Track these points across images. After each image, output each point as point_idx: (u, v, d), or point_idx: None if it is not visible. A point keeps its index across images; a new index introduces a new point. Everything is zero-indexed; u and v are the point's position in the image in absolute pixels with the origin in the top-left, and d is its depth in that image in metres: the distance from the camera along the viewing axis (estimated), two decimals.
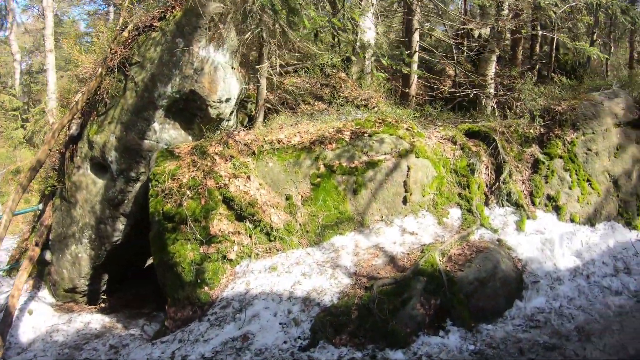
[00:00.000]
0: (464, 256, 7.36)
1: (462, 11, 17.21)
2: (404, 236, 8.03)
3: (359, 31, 12.56)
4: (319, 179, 8.21)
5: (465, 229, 8.15)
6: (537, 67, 14.58)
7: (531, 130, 9.69)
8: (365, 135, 8.55)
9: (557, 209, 9.03)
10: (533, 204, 9.07)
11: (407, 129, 8.79)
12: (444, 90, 12.31)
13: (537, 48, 15.23)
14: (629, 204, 9.50)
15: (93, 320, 9.03)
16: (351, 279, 7.24)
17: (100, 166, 9.26)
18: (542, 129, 9.74)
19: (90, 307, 9.71)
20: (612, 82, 11.08)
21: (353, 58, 11.91)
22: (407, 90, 10.54)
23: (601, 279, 8.11)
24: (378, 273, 7.22)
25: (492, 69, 11.65)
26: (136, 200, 9.07)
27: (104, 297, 10.12)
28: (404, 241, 7.93)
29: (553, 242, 8.42)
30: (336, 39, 13.70)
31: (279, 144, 8.54)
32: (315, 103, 11.63)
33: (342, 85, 12.01)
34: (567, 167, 9.21)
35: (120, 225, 9.24)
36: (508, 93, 10.72)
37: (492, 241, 8.08)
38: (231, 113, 9.79)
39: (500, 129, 9.37)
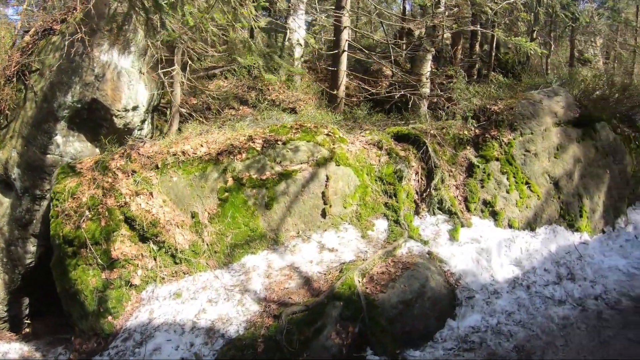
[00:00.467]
0: (387, 275, 6.59)
1: (402, 10, 16.68)
2: (323, 253, 7.21)
3: (288, 30, 11.88)
4: (226, 194, 7.37)
5: (391, 243, 7.37)
6: (477, 66, 14.12)
7: (465, 132, 9.04)
8: (279, 143, 7.73)
9: (495, 215, 8.39)
10: (468, 210, 8.40)
11: (327, 135, 8.01)
12: (380, 92, 11.62)
13: (477, 47, 14.79)
14: (571, 206, 8.95)
15: (11, 349, 8.13)
16: (260, 306, 6.40)
17: (5, 184, 8.41)
18: (477, 131, 9.11)
19: (11, 334, 8.77)
20: (551, 80, 10.59)
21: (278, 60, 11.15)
22: (335, 92, 9.81)
23: (543, 289, 7.51)
24: (290, 298, 6.39)
25: (427, 68, 11.03)
26: (44, 220, 8.21)
27: (29, 322, 9.11)
28: (321, 259, 7.11)
29: (490, 251, 7.78)
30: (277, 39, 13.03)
31: (184, 155, 7.68)
32: (241, 107, 10.87)
33: (270, 88, 11.26)
34: (505, 170, 8.59)
35: (31, 246, 8.42)
36: (441, 93, 10.11)
37: (421, 254, 7.35)
38: (143, 121, 8.95)
39: (431, 132, 8.68)
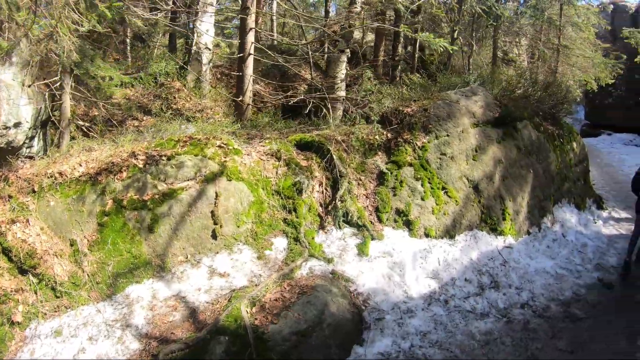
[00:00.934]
0: (281, 302, 5.81)
1: (325, 12, 16.13)
2: (213, 279, 6.37)
3: (196, 33, 11.09)
4: (106, 218, 6.48)
5: (289, 264, 6.62)
6: (400, 67, 13.66)
7: (376, 137, 8.41)
8: (163, 158, 6.90)
9: (409, 225, 7.74)
10: (380, 221, 7.72)
11: (220, 147, 7.20)
12: (294, 96, 10.91)
13: (400, 48, 14.35)
14: (492, 209, 8.44)
15: None
16: (141, 343, 5.56)
17: None
18: (389, 135, 8.50)
19: None
20: (469, 79, 10.13)
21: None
22: (240, 99, 9.06)
23: (463, 302, 6.92)
24: (172, 333, 5.55)
25: (342, 70, 10.39)
26: None
27: None
28: (211, 286, 6.28)
29: (404, 264, 7.14)
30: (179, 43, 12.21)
31: (62, 177, 6.77)
32: (144, 118, 10.01)
33: (176, 96, 10.43)
34: (419, 176, 7.98)
35: None
36: (355, 97, 9.49)
37: (324, 275, 6.59)
38: (32, 138, 7.95)
39: (337, 138, 8.00)
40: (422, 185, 7.94)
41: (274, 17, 16.47)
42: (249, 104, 9.19)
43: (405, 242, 7.54)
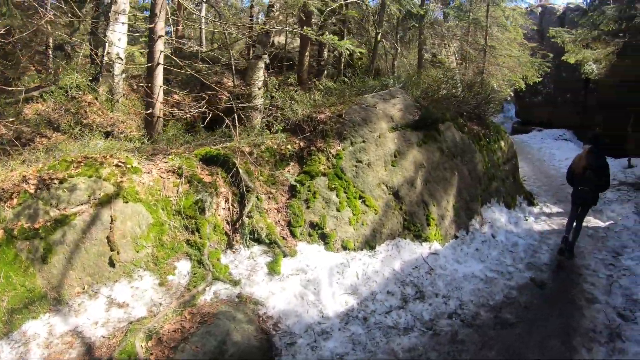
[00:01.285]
0: (180, 333, 5.24)
1: (250, 18, 15.67)
2: (111, 311, 5.74)
3: (107, 43, 10.45)
4: None
5: (191, 290, 6.05)
6: (326, 72, 13.34)
7: (288, 147, 7.93)
8: (55, 182, 6.21)
9: (325, 238, 7.30)
10: (293, 236, 7.24)
11: (117, 165, 6.57)
12: (211, 106, 10.35)
13: (326, 53, 14.05)
14: (416, 215, 8.12)
15: None
16: None
17: None
18: (301, 144, 8.04)
19: None
20: (388, 82, 9.83)
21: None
22: (151, 111, 8.48)
23: (385, 317, 6.49)
24: None
25: (260, 77, 9.95)
26: None
27: None
28: (108, 319, 5.64)
29: (319, 281, 6.66)
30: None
31: None
32: (54, 135, 9.32)
33: (87, 110, 9.77)
34: (333, 186, 7.56)
35: None
36: (266, 105, 9.04)
37: (230, 299, 6.04)
38: None
39: (245, 149, 7.48)
40: (337, 195, 7.53)
41: (201, 25, 15.91)
42: (159, 117, 8.61)
43: (320, 257, 7.10)
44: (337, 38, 7.77)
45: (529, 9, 30.88)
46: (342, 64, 13.58)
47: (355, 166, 7.83)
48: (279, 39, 17.55)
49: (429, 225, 8.18)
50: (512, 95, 30.59)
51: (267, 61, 10.17)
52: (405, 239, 7.89)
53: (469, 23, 17.27)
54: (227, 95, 11.01)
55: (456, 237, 8.70)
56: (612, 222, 12.01)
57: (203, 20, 14.12)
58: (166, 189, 6.74)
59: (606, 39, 18.30)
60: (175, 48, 11.37)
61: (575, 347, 6.15)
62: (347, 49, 7.87)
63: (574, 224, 9.15)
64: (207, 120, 9.65)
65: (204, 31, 16.37)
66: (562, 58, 20.53)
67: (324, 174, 7.62)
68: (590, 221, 11.88)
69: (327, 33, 8.39)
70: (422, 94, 9.74)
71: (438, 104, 9.57)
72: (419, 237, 8.01)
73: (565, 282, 8.08)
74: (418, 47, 15.49)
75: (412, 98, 9.35)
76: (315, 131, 8.09)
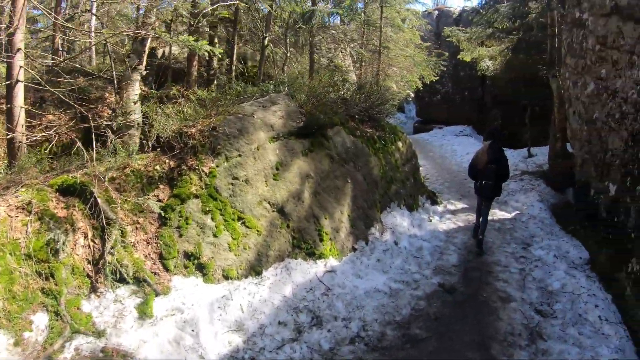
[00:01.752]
0: None
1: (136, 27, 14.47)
2: None
3: None
4: None
5: (47, 348, 5.01)
6: (216, 82, 12.45)
7: (157, 167, 6.98)
8: None
9: (202, 269, 6.40)
10: (167, 270, 6.26)
11: None
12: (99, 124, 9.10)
13: (216, 62, 13.17)
14: (306, 231, 7.39)
15: None
16: None
17: None
18: (172, 163, 7.09)
19: None
20: (267, 88, 9.05)
21: None
22: (11, 136, 7.18)
23: (276, 354, 5.66)
24: None
25: (135, 91, 8.83)
26: None
27: None
28: None
29: (198, 320, 5.72)
30: None
31: None
32: None
33: None
34: (208, 208, 6.67)
35: None
36: (139, 121, 8.01)
37: (94, 354, 5.03)
38: None
39: (106, 174, 6.46)
40: (212, 218, 6.64)
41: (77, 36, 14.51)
42: (21, 142, 7.36)
43: (199, 291, 6.18)
44: (192, 39, 6.89)
45: (426, 12, 31.68)
46: (234, 73, 12.69)
47: (232, 184, 6.97)
48: (168, 49, 16.47)
49: (322, 240, 7.46)
50: (413, 95, 31.27)
51: (143, 72, 9.07)
52: (296, 258, 7.13)
53: (362, 24, 16.88)
54: (109, 112, 9.85)
55: (354, 249, 8.05)
56: (518, 212, 11.91)
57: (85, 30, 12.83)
58: (14, 229, 5.57)
59: (500, 36, 18.62)
60: (52, 63, 10.00)
61: (495, 357, 5.66)
62: (206, 50, 7.02)
63: (480, 217, 9.54)
64: (79, 141, 8.44)
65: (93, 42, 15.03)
66: (458, 57, 20.86)
67: (196, 196, 6.71)
68: (496, 214, 11.69)
69: (199, 38, 7.49)
70: (308, 99, 8.99)
71: (326, 108, 8.88)
72: (312, 254, 7.29)
73: (476, 283, 7.66)
74: (309, 51, 14.83)
75: (297, 103, 8.63)
76: (186, 148, 7.18)
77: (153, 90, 10.87)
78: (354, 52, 18.89)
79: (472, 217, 11.24)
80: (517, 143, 21.83)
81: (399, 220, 9.50)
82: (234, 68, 12.82)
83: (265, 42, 12.61)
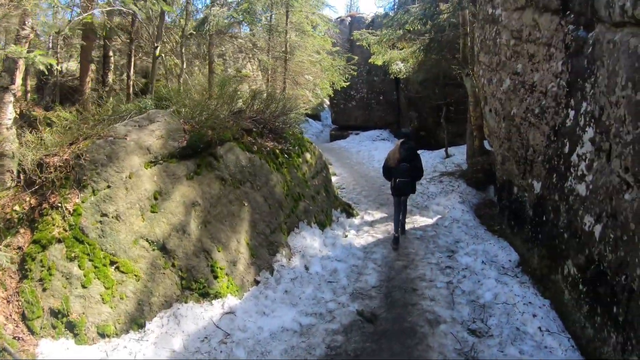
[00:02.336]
0: None
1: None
2: None
3: None
4: None
5: None
6: (112, 99, 11.24)
7: (16, 207, 5.78)
8: None
9: (73, 327, 5.28)
10: (32, 332, 5.10)
11: None
12: None
13: (112, 76, 12.04)
14: (196, 269, 6.37)
15: None
16: None
17: None
18: (33, 201, 5.94)
19: None
20: (145, 103, 7.97)
21: None
22: None
23: None
24: None
25: (8, 114, 7.40)
26: None
27: None
28: None
29: None
30: None
31: None
32: None
33: None
34: (73, 254, 5.53)
35: None
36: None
37: None
38: None
39: None
40: (79, 266, 5.53)
41: None
42: None
43: (70, 355, 5.08)
44: (22, 49, 5.76)
45: (339, 19, 31.60)
46: (131, 89, 11.55)
47: (100, 222, 5.87)
48: (67, 65, 15.06)
49: (216, 277, 6.50)
50: (328, 102, 31.12)
51: (18, 93, 7.72)
52: (186, 302, 6.11)
53: (267, 31, 16.06)
54: None
55: (257, 282, 7.14)
56: (440, 216, 11.42)
57: None
58: None
59: (412, 37, 18.34)
60: None
61: None
62: (41, 63, 5.90)
63: (399, 218, 9.67)
64: None
65: None
66: (370, 60, 20.55)
67: (59, 240, 5.59)
68: (417, 221, 11.12)
69: None
70: (194, 113, 7.96)
71: (216, 123, 7.87)
72: (206, 295, 6.30)
73: (400, 306, 6.89)
74: (208, 61, 13.83)
75: (181, 120, 7.59)
76: (47, 182, 6.01)
77: (35, 112, 9.56)
78: (260, 60, 18.08)
79: (391, 227, 10.63)
80: (435, 144, 21.77)
81: (309, 241, 8.65)
82: (131, 83, 11.68)
83: (157, 52, 11.53)
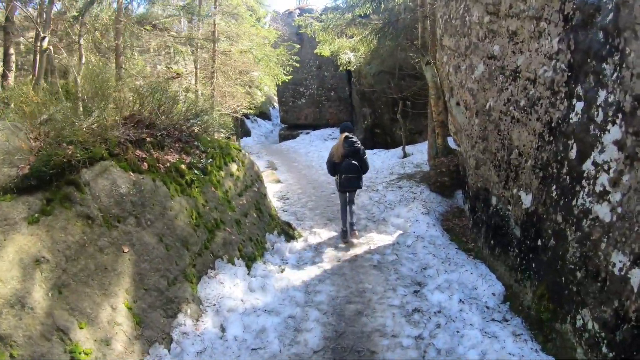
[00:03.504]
0: None
1: None
2: None
3: None
4: None
5: None
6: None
7: None
8: None
9: None
10: None
11: None
12: None
13: (12, 78, 9.99)
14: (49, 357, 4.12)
15: None
16: None
17: None
18: None
19: None
20: None
21: None
22: None
23: None
24: None
25: None
26: None
27: None
28: None
29: None
30: None
31: None
32: None
33: None
34: None
35: None
36: None
37: None
38: None
39: None
40: None
41: None
42: None
43: None
44: None
45: (287, 12, 30.21)
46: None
47: None
48: None
49: None
50: (275, 100, 29.62)
51: None
52: None
53: (188, 12, 13.71)
54: None
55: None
56: (401, 232, 9.53)
57: None
58: None
59: (363, 21, 16.29)
60: None
61: None
62: None
63: (347, 211, 9.33)
64: None
65: None
66: (315, 51, 18.66)
67: None
68: (374, 239, 9.19)
69: None
70: (46, 123, 5.61)
71: (85, 134, 5.55)
72: None
73: None
74: (115, 55, 11.50)
75: (30, 134, 5.27)
76: None
77: None
78: (191, 55, 15.75)
79: (341, 253, 8.60)
80: (391, 142, 20.06)
81: (228, 287, 6.45)
82: (41, 83, 9.50)
83: (45, 45, 9.22)
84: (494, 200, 7.47)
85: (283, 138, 29.53)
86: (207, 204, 6.98)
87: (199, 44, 14.47)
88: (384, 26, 15.13)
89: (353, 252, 8.74)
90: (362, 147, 9.19)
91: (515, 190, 6.47)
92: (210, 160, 7.60)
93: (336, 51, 17.65)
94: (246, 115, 32.62)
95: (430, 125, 13.44)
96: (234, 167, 8.40)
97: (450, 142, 12.61)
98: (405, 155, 17.07)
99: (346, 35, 17.91)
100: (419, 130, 18.42)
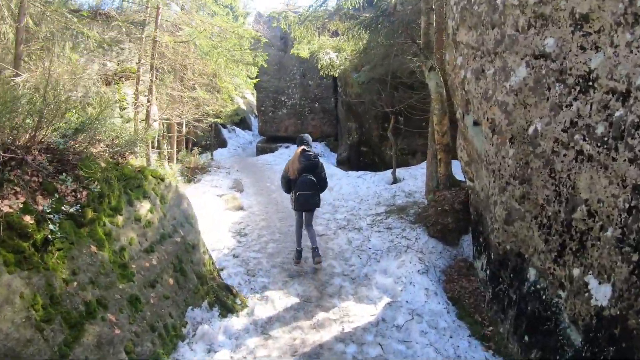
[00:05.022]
0: None
1: None
2: None
3: None
4: None
5: None
6: None
7: None
8: None
9: None
10: None
11: None
12: None
13: None
14: None
15: None
16: None
17: None
18: None
19: None
20: None
21: None
22: None
23: None
24: None
25: None
26: None
27: None
28: None
29: None
30: None
31: None
32: None
33: None
34: None
35: None
36: None
37: None
38: None
39: None
40: None
41: None
42: None
43: None
44: None
45: (271, 16, 27.99)
46: None
47: None
48: None
49: None
50: (253, 109, 27.28)
51: None
52: None
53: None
54: None
55: None
56: (389, 300, 6.92)
57: None
58: None
59: (350, 12, 13.55)
60: None
61: None
62: None
63: (304, 230, 8.45)
64: None
65: None
66: (292, 51, 15.95)
67: None
68: (350, 311, 6.49)
69: None
70: None
71: None
72: None
73: None
74: (15, 41, 8.88)
75: None
76: None
77: None
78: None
79: (300, 338, 5.84)
80: (380, 163, 17.34)
81: None
82: None
83: None
84: (532, 274, 5.00)
85: (260, 151, 26.86)
86: (76, 278, 4.17)
87: (144, 37, 11.65)
88: (376, 18, 12.27)
89: (318, 336, 5.97)
90: (320, 162, 8.46)
91: (577, 272, 4.09)
92: (98, 199, 4.78)
93: (316, 52, 14.93)
94: (223, 125, 29.87)
95: (430, 149, 10.64)
96: (144, 207, 5.61)
97: (455, 165, 9.93)
98: (395, 180, 14.32)
99: (329, 31, 15.22)
100: (412, 151, 15.84)
